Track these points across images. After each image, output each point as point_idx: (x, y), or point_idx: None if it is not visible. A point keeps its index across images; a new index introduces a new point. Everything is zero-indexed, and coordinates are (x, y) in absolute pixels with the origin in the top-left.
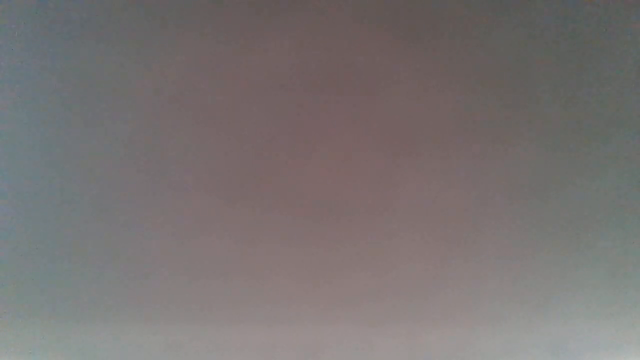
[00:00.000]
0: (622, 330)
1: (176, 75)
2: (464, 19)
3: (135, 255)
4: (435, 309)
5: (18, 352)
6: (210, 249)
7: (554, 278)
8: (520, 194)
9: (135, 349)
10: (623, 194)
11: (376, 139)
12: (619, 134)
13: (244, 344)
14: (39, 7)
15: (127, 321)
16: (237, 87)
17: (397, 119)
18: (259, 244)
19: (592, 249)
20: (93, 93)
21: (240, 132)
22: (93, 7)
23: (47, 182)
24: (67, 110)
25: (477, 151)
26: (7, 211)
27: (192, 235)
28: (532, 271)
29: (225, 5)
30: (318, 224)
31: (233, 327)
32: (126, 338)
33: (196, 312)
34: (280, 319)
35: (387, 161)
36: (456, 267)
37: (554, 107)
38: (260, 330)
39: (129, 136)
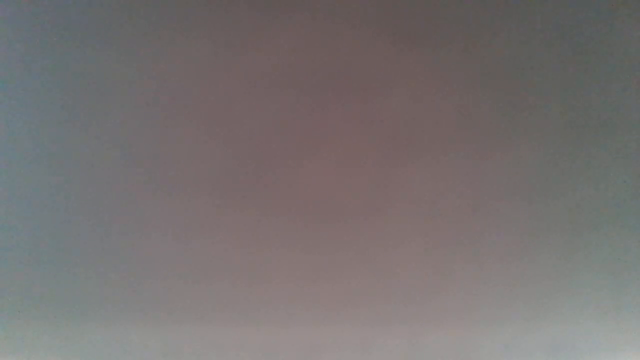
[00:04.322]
0: (622, 330)
1: (175, 76)
2: (464, 20)
3: (135, 256)
4: (435, 310)
5: (18, 352)
6: (209, 250)
7: (554, 279)
8: (520, 195)
9: (135, 349)
10: (623, 194)
11: (376, 141)
12: (619, 134)
13: (244, 345)
14: (37, 9)
15: (127, 322)
16: (236, 89)
17: (397, 120)
18: (259, 245)
19: (592, 249)
20: (90, 94)
21: (239, 134)
22: (90, 7)
23: (46, 183)
24: (65, 112)
25: (477, 153)
26: (7, 212)
27: (192, 237)
28: (532, 272)
29: (224, 5)
30: (318, 226)
31: (233, 328)
32: (126, 339)
33: (196, 314)
34: (280, 320)
35: (387, 163)
36: (456, 268)
37: (554, 107)
38: (260, 331)
39: (127, 137)
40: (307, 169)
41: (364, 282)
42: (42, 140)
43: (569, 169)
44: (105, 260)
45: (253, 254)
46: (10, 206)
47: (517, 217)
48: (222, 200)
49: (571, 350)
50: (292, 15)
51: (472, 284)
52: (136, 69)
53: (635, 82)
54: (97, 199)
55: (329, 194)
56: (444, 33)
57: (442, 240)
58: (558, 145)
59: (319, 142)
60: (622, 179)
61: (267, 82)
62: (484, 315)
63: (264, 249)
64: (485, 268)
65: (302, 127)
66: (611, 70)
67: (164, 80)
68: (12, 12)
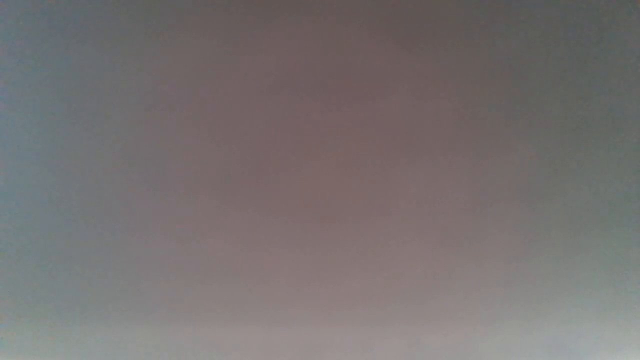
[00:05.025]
0: (622, 330)
1: (175, 76)
2: (464, 22)
3: (136, 256)
4: (435, 310)
5: (18, 352)
6: (209, 250)
7: (554, 279)
8: (519, 195)
9: (135, 350)
10: (623, 194)
11: (377, 141)
12: (619, 135)
13: (244, 346)
14: (37, 9)
15: (128, 322)
16: (236, 89)
17: (398, 121)
18: (259, 245)
19: (591, 249)
20: (92, 95)
21: (239, 134)
22: (90, 8)
23: (47, 183)
24: (65, 112)
25: (477, 153)
26: (7, 212)
27: (192, 237)
28: (532, 272)
29: (224, 6)
30: (318, 226)
31: (233, 328)
32: (126, 339)
33: (196, 314)
34: (280, 320)
35: (388, 163)
36: (455, 268)
37: (554, 107)
38: (260, 331)
39: (128, 138)
40: (308, 169)
41: (364, 282)
42: (42, 140)
43: (569, 169)
44: (105, 260)
45: (253, 254)
46: (10, 206)
47: (517, 217)
48: (222, 200)
49: (571, 350)
50: (292, 16)
51: (472, 284)
52: (136, 69)
53: (635, 82)
54: (97, 198)
55: (329, 194)
56: (445, 34)
57: (443, 241)
58: (558, 145)
59: (319, 142)
60: (622, 179)
61: (267, 82)
62: (484, 315)
63: (264, 249)
64: (485, 268)
65: (303, 128)
66: (611, 70)
67: (164, 80)
68: (13, 12)
